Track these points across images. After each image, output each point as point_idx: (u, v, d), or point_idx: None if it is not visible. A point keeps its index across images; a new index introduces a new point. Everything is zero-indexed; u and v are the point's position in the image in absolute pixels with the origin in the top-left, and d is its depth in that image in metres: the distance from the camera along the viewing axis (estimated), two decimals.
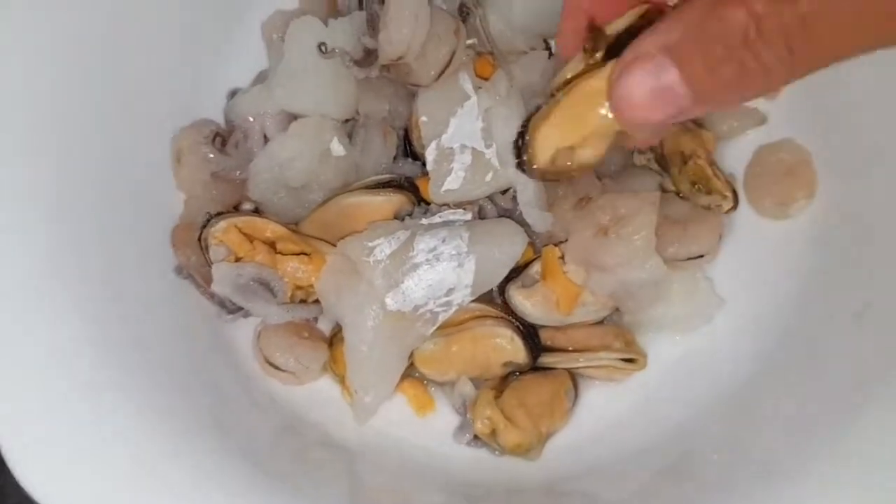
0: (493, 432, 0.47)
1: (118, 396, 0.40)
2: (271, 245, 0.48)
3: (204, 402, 0.44)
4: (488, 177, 0.47)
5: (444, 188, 0.48)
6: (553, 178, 0.36)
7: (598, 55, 0.32)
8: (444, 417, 0.50)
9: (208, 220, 0.47)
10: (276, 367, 0.49)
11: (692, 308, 0.49)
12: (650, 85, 0.29)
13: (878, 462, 0.39)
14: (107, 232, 0.45)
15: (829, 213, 0.50)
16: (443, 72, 0.48)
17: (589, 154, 0.34)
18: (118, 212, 0.46)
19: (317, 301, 0.49)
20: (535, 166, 0.35)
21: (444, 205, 0.49)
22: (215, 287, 0.47)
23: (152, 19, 0.50)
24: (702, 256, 0.49)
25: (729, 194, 0.50)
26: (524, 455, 0.47)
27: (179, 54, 0.52)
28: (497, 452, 0.48)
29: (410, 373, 0.50)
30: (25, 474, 0.37)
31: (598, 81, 0.32)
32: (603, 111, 0.32)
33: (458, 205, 0.48)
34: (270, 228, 0.48)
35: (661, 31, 0.29)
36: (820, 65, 0.28)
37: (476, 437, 0.48)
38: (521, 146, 0.35)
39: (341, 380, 0.49)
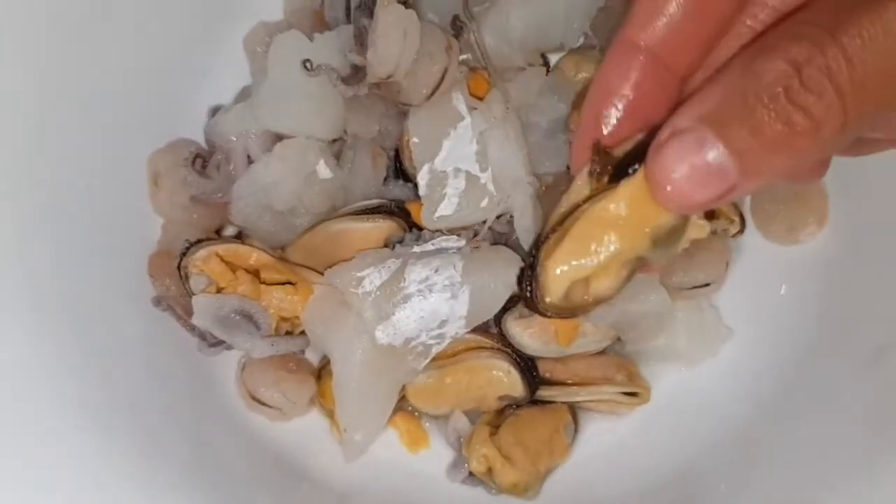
0: (490, 471, 0.45)
1: (88, 442, 0.38)
2: (255, 273, 0.45)
3: (185, 440, 0.42)
4: (483, 202, 0.45)
5: (437, 214, 0.45)
6: (567, 315, 0.32)
7: (605, 179, 0.29)
8: (438, 453, 0.48)
9: (188, 248, 0.44)
10: (262, 403, 0.46)
11: (698, 339, 0.47)
12: (691, 161, 0.25)
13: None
14: (80, 259, 0.43)
15: (840, 241, 0.48)
16: (434, 90, 0.45)
17: (606, 286, 0.30)
18: (92, 238, 0.44)
19: (303, 333, 0.46)
20: (547, 300, 0.31)
21: (437, 231, 0.46)
22: (196, 320, 0.44)
23: (129, 32, 0.47)
24: (708, 285, 0.46)
25: (736, 218, 0.47)
26: (522, 495, 0.45)
27: (157, 69, 0.49)
28: (493, 491, 0.46)
29: (403, 406, 0.48)
30: None
31: (611, 204, 0.29)
32: (618, 236, 0.29)
33: (452, 230, 0.46)
34: (254, 256, 0.45)
35: (697, 101, 0.26)
36: (875, 109, 0.25)
37: (471, 474, 0.46)
38: (530, 280, 0.31)
39: (330, 414, 0.47)
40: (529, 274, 0.31)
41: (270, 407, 0.46)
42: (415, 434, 0.48)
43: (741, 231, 0.48)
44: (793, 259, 0.49)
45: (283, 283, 0.45)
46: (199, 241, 0.45)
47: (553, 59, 0.50)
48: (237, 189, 0.47)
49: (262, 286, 0.45)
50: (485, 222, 0.46)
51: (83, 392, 0.39)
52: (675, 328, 0.46)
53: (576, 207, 0.30)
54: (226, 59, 0.51)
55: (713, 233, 0.47)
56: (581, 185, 0.30)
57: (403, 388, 0.46)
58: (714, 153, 0.25)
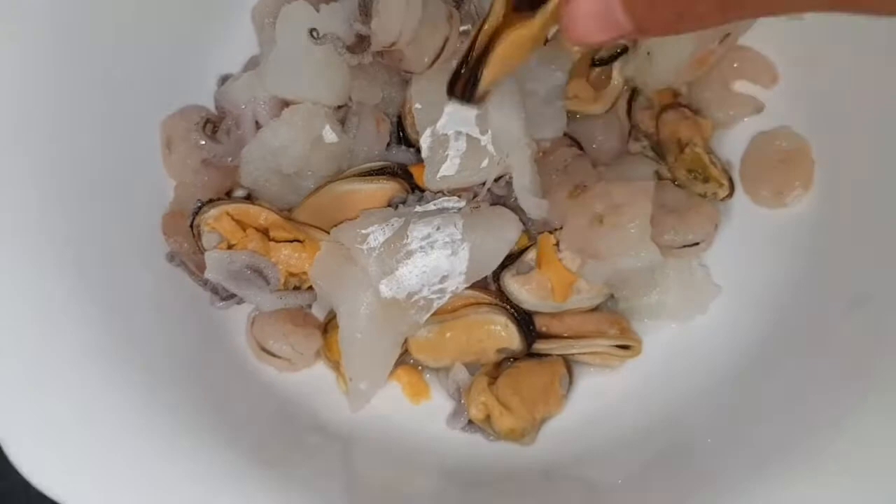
0: (488, 418, 0.47)
1: (110, 386, 0.40)
2: (264, 232, 0.47)
3: (196, 390, 0.44)
4: (484, 163, 0.47)
5: (439, 175, 0.47)
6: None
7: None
8: (438, 404, 0.50)
9: (200, 207, 0.47)
10: (271, 354, 0.49)
11: (688, 296, 0.49)
12: (596, 10, 0.31)
13: (874, 449, 0.39)
14: (97, 220, 0.45)
15: (826, 203, 0.50)
16: (436, 59, 0.47)
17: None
18: (108, 199, 0.46)
19: (310, 288, 0.48)
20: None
21: (439, 192, 0.48)
22: (208, 274, 0.46)
23: (145, 5, 0.49)
24: (697, 244, 0.48)
25: (725, 182, 0.50)
26: (518, 440, 0.47)
27: (169, 39, 0.51)
28: (492, 438, 0.48)
29: (405, 360, 0.50)
30: (21, 460, 0.37)
31: (525, 30, 0.34)
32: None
33: (453, 192, 0.48)
34: (263, 215, 0.47)
35: None
36: (750, 14, 0.31)
37: (470, 422, 0.48)
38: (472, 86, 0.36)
39: (336, 367, 0.49)
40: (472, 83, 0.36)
41: (279, 358, 0.49)
42: (417, 386, 0.50)
43: (730, 195, 0.50)
44: (780, 222, 0.51)
45: (292, 241, 0.47)
46: (210, 201, 0.47)
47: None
48: (246, 153, 0.49)
49: (271, 243, 0.47)
50: (484, 184, 0.48)
51: (108, 341, 0.41)
52: (666, 285, 0.48)
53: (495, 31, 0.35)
54: (234, 31, 0.53)
55: (703, 195, 0.49)
56: (498, 10, 0.35)
57: (406, 341, 0.48)
58: (615, 9, 0.30)
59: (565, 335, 0.48)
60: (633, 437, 0.48)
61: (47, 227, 0.42)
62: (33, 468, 0.37)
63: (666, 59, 0.50)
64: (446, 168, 0.47)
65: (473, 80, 0.36)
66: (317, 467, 0.45)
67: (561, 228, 0.47)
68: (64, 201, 0.43)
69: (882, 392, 0.40)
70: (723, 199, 0.50)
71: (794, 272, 0.49)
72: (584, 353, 0.48)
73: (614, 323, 0.49)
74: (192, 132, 0.49)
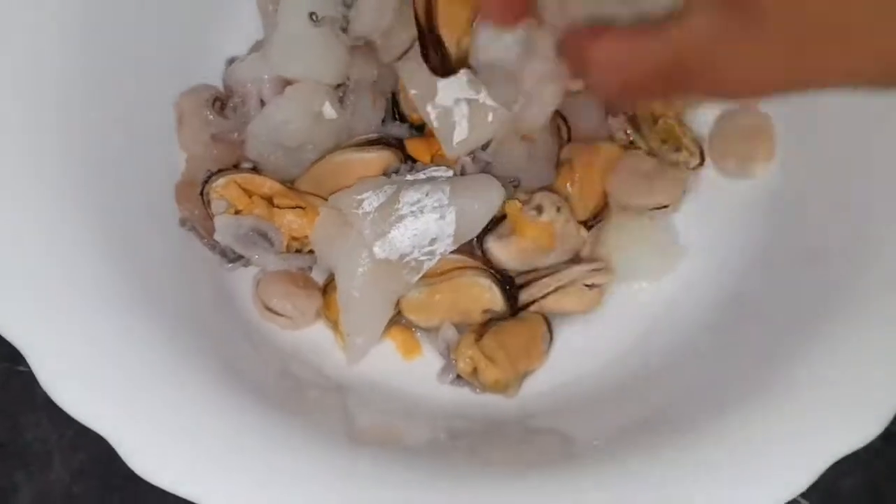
0: (475, 371, 0.51)
1: (131, 332, 0.44)
2: (269, 200, 0.52)
3: (209, 343, 0.48)
4: (489, 117, 0.50)
5: (455, 142, 0.51)
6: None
7: None
8: (429, 361, 0.54)
9: (210, 177, 0.51)
10: (274, 313, 0.53)
11: (657, 255, 0.53)
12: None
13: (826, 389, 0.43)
14: (115, 188, 0.49)
15: (787, 173, 0.54)
16: (403, 54, 0.51)
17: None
18: (126, 170, 0.50)
19: (311, 252, 0.52)
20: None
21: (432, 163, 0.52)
22: (217, 237, 0.50)
23: None
24: (666, 206, 0.53)
25: (696, 150, 0.53)
26: (503, 391, 0.51)
27: (180, 25, 0.55)
28: (478, 390, 0.52)
29: (398, 320, 0.54)
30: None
31: None
32: None
33: (442, 162, 0.52)
34: (268, 185, 0.52)
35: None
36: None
37: (458, 376, 0.52)
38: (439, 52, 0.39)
39: (334, 325, 0.53)
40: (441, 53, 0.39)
41: (282, 315, 0.53)
42: (409, 343, 0.54)
43: (701, 163, 0.54)
44: (744, 191, 0.55)
45: (294, 208, 0.51)
46: (219, 171, 0.51)
47: None
48: (252, 128, 0.53)
49: (275, 209, 0.51)
50: (473, 154, 0.52)
51: (127, 299, 0.45)
52: (638, 245, 0.52)
53: None
54: (240, 16, 0.57)
55: (675, 164, 0.53)
56: None
57: (399, 302, 0.52)
58: None
59: (543, 276, 0.52)
60: (611, 395, 0.52)
61: (73, 195, 0.46)
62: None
63: None
64: (458, 133, 0.51)
65: (441, 49, 0.39)
66: (320, 415, 0.49)
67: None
68: (82, 171, 0.47)
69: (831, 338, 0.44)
70: (694, 168, 0.54)
71: (759, 236, 0.53)
72: (562, 287, 0.52)
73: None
74: (202, 109, 0.53)
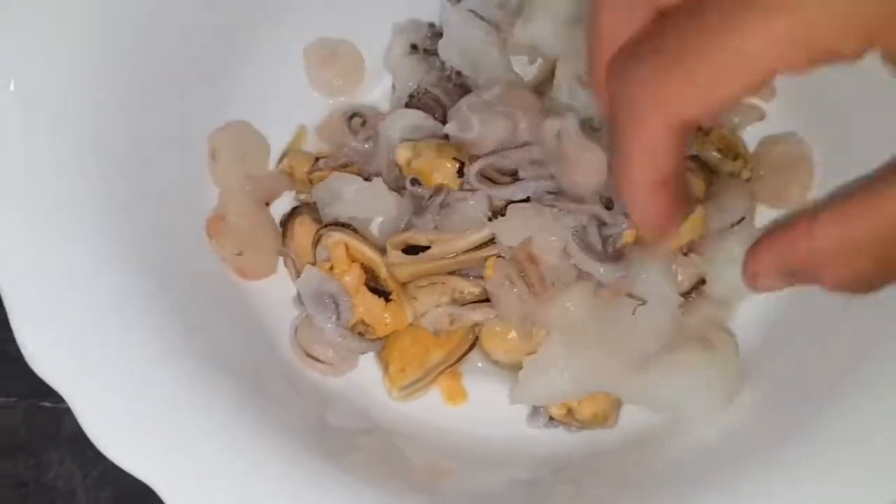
0: (569, 411, 0.48)
1: (170, 369, 0.42)
2: (368, 272, 0.49)
3: (251, 388, 0.45)
4: None
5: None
6: None
7: None
8: (475, 404, 0.51)
9: (330, 224, 0.49)
10: (315, 359, 0.50)
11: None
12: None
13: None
14: (149, 219, 0.46)
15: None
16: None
17: None
18: (159, 203, 0.47)
19: (376, 340, 0.49)
20: None
21: None
22: (299, 283, 0.49)
23: (189, 31, 0.50)
24: (743, 219, 0.50)
25: (749, 161, 0.52)
26: (603, 424, 0.48)
27: (213, 62, 0.53)
28: (574, 428, 0.49)
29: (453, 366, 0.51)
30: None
31: None
32: None
33: None
34: (372, 259, 0.48)
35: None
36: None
37: (551, 418, 0.49)
38: None
39: (386, 365, 0.50)
40: None
41: (323, 363, 0.50)
42: (455, 390, 0.52)
43: (749, 179, 0.52)
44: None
45: (382, 294, 0.48)
46: (340, 225, 0.49)
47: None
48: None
49: (364, 288, 0.48)
50: None
51: (166, 335, 0.43)
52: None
53: None
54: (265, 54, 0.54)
55: (732, 174, 0.52)
56: None
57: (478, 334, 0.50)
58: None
59: None
60: None
61: (108, 220, 0.44)
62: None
63: None
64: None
65: None
66: (369, 460, 0.46)
67: None
68: (124, 200, 0.45)
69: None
70: (748, 179, 0.52)
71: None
72: None
73: None
74: (236, 143, 0.51)
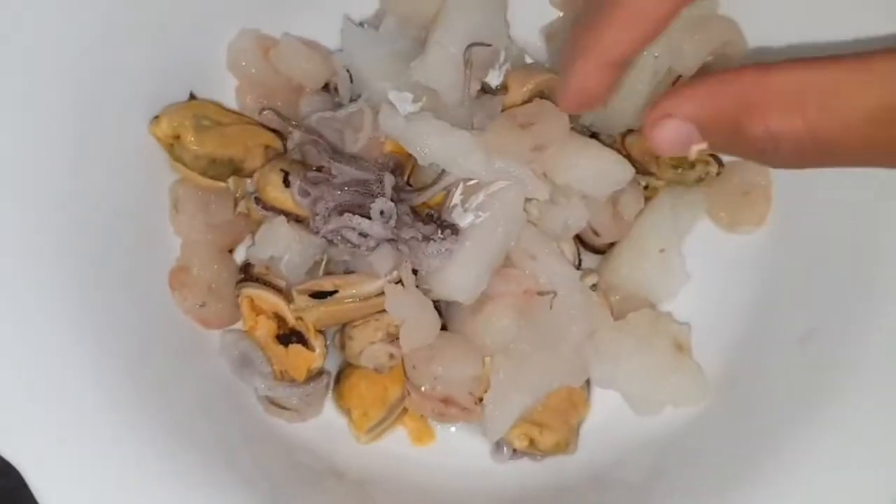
0: (531, 442, 0.50)
1: (129, 433, 0.42)
2: (277, 319, 0.49)
3: (211, 438, 0.46)
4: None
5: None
6: None
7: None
8: (442, 444, 0.52)
9: (239, 280, 0.50)
10: (280, 407, 0.50)
11: (662, 277, 0.53)
12: (675, 137, 0.35)
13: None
14: (114, 273, 0.47)
15: (780, 236, 0.53)
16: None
17: None
18: (121, 255, 0.48)
19: (305, 382, 0.50)
20: None
21: None
22: (221, 351, 0.50)
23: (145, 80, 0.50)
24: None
25: (710, 158, 0.53)
26: (564, 451, 0.50)
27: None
28: (539, 457, 0.51)
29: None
30: None
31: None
32: None
33: None
34: (277, 307, 0.49)
35: (688, 98, 0.34)
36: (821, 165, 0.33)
37: (514, 451, 0.51)
38: None
39: (348, 413, 0.51)
40: None
41: (288, 410, 0.50)
42: (422, 430, 0.53)
43: (721, 165, 0.53)
44: (739, 244, 0.54)
45: (297, 342, 0.49)
46: (243, 279, 0.50)
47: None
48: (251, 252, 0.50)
49: (271, 340, 0.49)
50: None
51: (126, 393, 0.43)
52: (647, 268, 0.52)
53: None
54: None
55: (700, 179, 0.53)
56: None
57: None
58: (694, 137, 0.34)
59: None
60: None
61: (70, 272, 0.44)
62: None
63: (622, 103, 0.52)
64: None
65: None
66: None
67: None
68: (86, 253, 0.45)
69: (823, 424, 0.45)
70: (718, 173, 0.53)
71: (748, 298, 0.53)
72: None
73: None
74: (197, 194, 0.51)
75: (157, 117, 0.49)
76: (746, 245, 0.54)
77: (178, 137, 0.48)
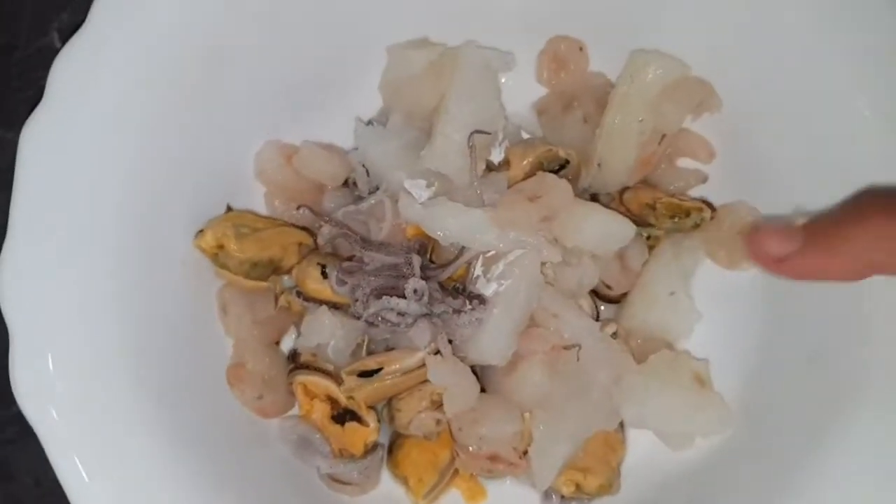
0: (577, 487, 0.53)
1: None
2: (331, 402, 0.53)
3: None
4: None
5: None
6: None
7: None
8: (497, 500, 0.56)
9: (291, 370, 0.54)
10: (341, 483, 0.53)
11: (676, 318, 0.56)
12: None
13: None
14: (177, 371, 0.51)
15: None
16: None
17: None
18: (183, 354, 0.52)
19: (364, 456, 0.53)
20: None
21: None
22: (279, 439, 0.54)
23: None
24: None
25: (702, 204, 0.56)
26: (608, 492, 0.54)
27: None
28: (586, 501, 0.54)
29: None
30: None
31: None
32: None
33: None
34: (329, 390, 0.53)
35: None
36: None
37: (563, 497, 0.54)
38: None
39: (404, 480, 0.54)
40: None
41: (350, 484, 0.53)
42: (474, 489, 0.56)
43: (714, 211, 0.56)
44: (739, 280, 0.57)
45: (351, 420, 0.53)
46: (295, 367, 0.54)
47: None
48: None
49: (327, 421, 0.53)
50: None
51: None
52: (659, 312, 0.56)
53: None
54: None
55: (697, 225, 0.56)
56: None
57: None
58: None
59: None
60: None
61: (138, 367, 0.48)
62: None
63: (615, 166, 0.56)
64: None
65: None
66: None
67: None
68: (154, 355, 0.49)
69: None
70: (712, 218, 0.56)
71: (755, 329, 0.56)
72: None
73: None
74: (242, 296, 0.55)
75: (201, 231, 0.52)
76: (748, 279, 0.57)
77: (221, 247, 0.52)
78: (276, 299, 0.55)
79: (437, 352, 0.51)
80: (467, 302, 0.51)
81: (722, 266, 0.58)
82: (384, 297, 0.50)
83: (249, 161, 0.57)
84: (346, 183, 0.58)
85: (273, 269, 0.54)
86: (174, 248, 0.53)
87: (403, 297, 0.50)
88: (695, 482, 0.54)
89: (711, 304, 0.57)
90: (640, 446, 0.55)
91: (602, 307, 0.57)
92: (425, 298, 0.51)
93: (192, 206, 0.54)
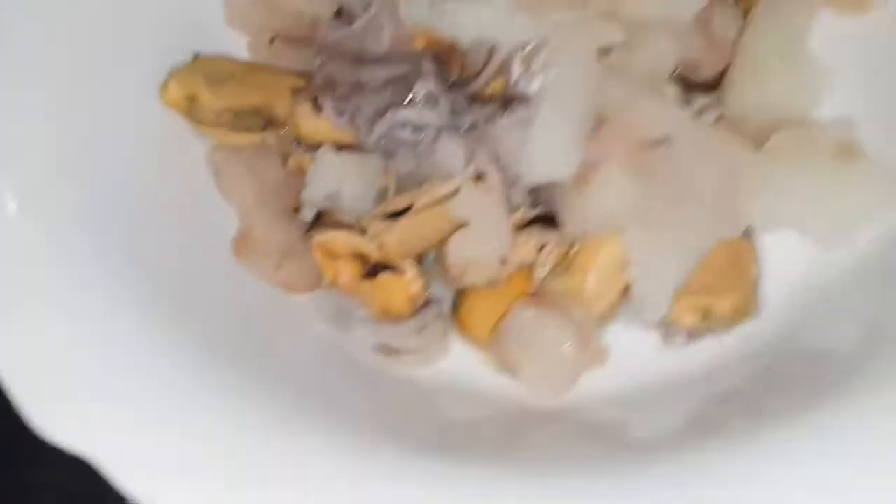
0: (706, 313, 0.44)
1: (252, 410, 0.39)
2: (359, 258, 0.44)
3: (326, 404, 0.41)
4: None
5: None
6: None
7: None
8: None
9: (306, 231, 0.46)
10: (398, 352, 0.44)
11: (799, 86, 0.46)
12: None
13: None
14: (178, 252, 0.45)
15: None
16: None
17: None
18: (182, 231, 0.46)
19: (413, 313, 0.45)
20: None
21: None
22: (316, 313, 0.46)
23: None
24: None
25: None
26: (747, 316, 0.44)
27: None
28: (721, 330, 0.44)
29: None
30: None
31: None
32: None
33: None
34: (353, 242, 0.44)
35: None
36: None
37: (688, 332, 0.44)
38: None
39: (476, 340, 0.45)
40: None
41: (407, 353, 0.44)
42: None
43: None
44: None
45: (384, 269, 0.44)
46: (313, 226, 0.45)
47: None
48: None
49: (358, 280, 0.44)
50: None
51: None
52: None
53: None
54: None
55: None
56: None
57: None
58: None
59: None
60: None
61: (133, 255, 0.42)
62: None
63: None
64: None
65: None
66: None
67: None
68: (149, 234, 0.44)
69: None
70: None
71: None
72: None
73: None
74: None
75: (164, 84, 0.46)
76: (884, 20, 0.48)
77: (192, 99, 0.46)
78: (286, 161, 0.47)
79: (479, 177, 0.43)
80: (502, 106, 0.43)
81: (845, 10, 0.49)
82: (390, 112, 0.42)
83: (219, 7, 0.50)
84: (339, 14, 0.49)
85: (264, 119, 0.47)
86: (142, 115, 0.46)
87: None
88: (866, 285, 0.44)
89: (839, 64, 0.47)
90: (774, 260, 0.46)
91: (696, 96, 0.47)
92: (444, 106, 0.42)
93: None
